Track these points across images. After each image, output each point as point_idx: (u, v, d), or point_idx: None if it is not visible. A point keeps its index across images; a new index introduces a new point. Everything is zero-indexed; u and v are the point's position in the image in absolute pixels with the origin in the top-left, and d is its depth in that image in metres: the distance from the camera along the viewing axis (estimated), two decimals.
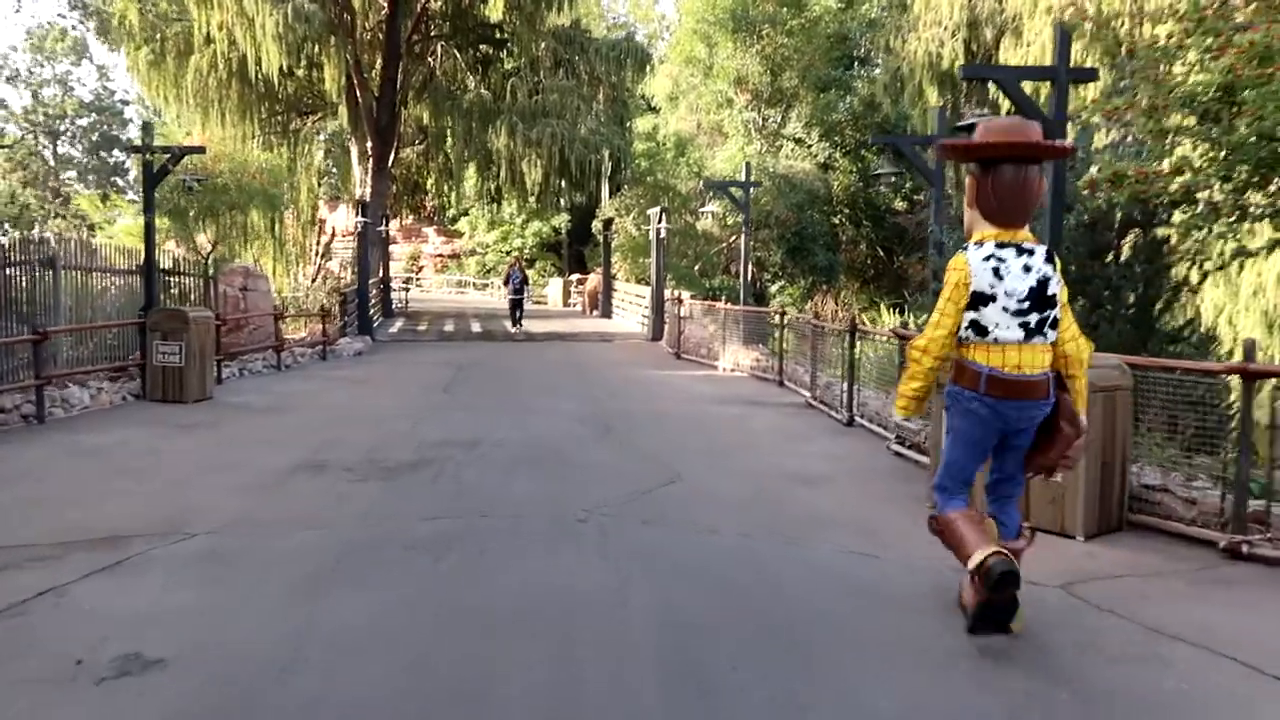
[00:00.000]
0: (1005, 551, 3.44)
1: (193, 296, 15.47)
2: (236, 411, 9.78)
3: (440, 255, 47.03)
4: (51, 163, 61.32)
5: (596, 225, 38.73)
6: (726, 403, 10.92)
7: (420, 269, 46.73)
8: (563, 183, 23.82)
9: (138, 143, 13.05)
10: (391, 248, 50.79)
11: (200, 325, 10.49)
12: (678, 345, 16.32)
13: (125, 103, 62.62)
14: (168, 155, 12.44)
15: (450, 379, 12.74)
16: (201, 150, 13.19)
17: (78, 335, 12.20)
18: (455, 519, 5.41)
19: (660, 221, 18.98)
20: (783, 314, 12.88)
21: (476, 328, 22.59)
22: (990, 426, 3.60)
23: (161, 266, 14.55)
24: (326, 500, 5.88)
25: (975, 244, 3.56)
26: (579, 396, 11.23)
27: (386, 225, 25.77)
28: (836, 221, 38.75)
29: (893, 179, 37.25)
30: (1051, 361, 3.57)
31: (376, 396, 11.14)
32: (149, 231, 12.24)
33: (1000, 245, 3.51)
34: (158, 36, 21.99)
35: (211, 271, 15.85)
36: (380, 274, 25.21)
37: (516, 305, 21.36)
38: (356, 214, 18.16)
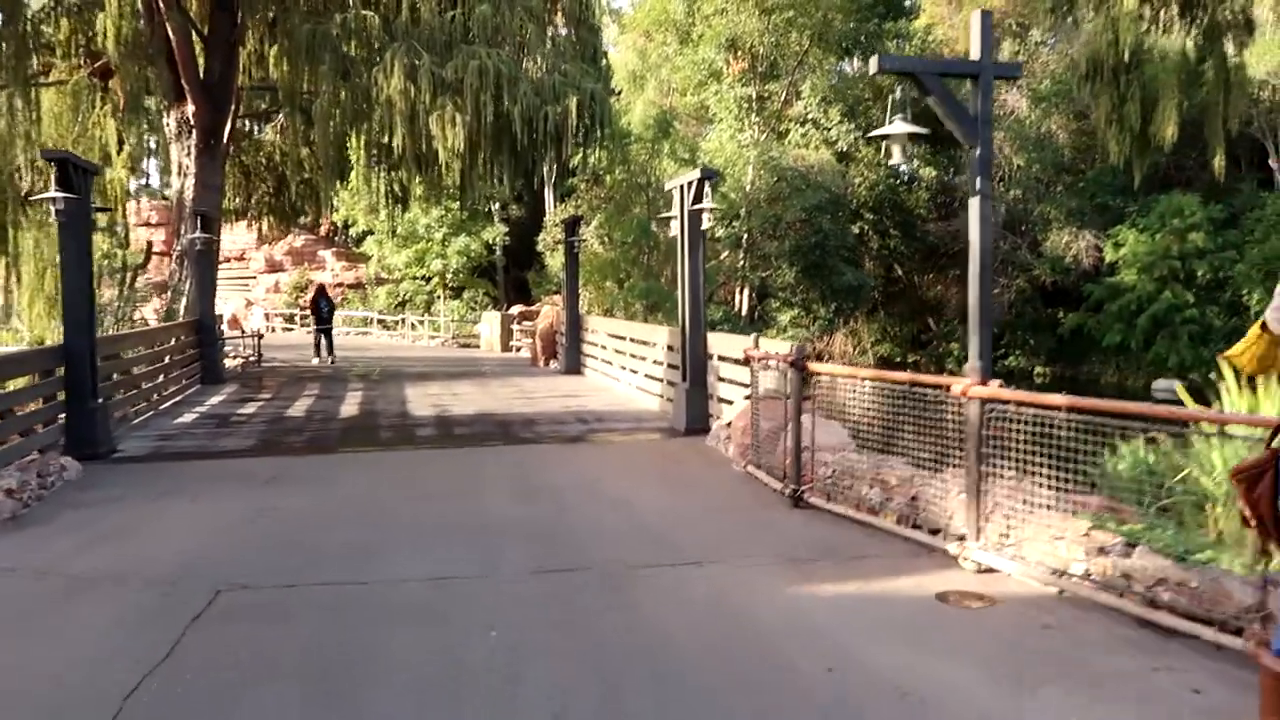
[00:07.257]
0: None
1: None
2: None
3: (340, 285, 36.78)
4: None
5: (546, 238, 28.84)
6: None
7: (310, 304, 36.40)
8: (499, 154, 14.20)
9: None
10: (278, 276, 40.39)
11: None
12: (793, 474, 6.77)
13: None
14: None
15: None
16: None
17: None
18: None
19: (700, 200, 9.54)
20: None
21: (350, 407, 12.63)
22: None
23: None
24: None
25: None
26: None
27: (215, 233, 15.85)
28: (859, 230, 29.68)
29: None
30: None
31: None
32: None
33: None
34: None
35: None
36: (200, 312, 15.25)
37: (325, 334, 19.97)
38: (54, 185, 8.30)
